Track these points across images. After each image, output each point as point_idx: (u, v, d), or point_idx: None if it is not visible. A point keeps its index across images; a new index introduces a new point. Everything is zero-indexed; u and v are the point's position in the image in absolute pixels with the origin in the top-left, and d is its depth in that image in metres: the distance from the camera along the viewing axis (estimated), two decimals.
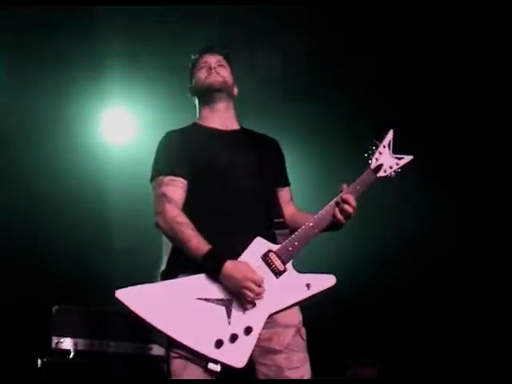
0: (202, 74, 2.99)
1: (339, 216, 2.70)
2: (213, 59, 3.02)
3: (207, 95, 2.96)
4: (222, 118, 2.95)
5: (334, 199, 2.72)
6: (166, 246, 2.80)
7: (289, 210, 2.93)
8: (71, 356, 4.32)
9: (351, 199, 2.70)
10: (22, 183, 5.17)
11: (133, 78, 5.25)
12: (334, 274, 2.70)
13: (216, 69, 2.97)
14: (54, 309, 4.41)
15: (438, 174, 5.37)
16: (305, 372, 2.67)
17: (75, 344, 4.36)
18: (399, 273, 5.38)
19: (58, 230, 5.19)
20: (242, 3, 4.76)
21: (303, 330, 2.73)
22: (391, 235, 5.38)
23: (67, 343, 4.34)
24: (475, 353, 5.11)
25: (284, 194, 2.98)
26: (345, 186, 2.74)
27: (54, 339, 4.34)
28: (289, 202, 2.99)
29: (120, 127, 5.66)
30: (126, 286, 2.54)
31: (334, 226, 2.75)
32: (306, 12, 4.96)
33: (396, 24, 5.01)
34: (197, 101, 3.05)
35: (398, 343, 5.19)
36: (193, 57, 3.11)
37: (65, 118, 5.27)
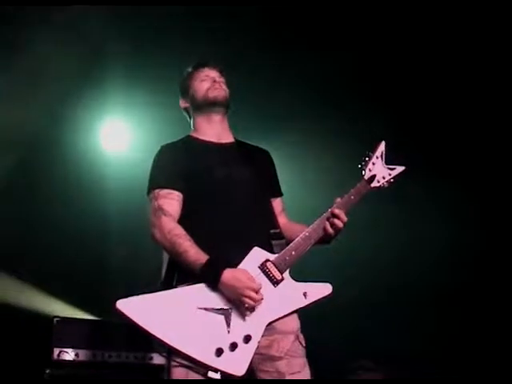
0: (204, 86, 3.00)
1: (330, 230, 2.73)
2: (214, 73, 3.05)
3: (207, 107, 2.98)
4: (217, 130, 2.98)
5: (325, 214, 2.74)
6: (166, 258, 2.83)
7: (281, 220, 2.96)
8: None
9: (342, 214, 2.72)
10: (23, 193, 5.19)
11: (131, 90, 5.29)
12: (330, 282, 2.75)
13: (220, 82, 3.02)
14: (54, 320, 4.43)
15: (433, 181, 5.43)
16: (305, 377, 2.71)
17: (76, 355, 4.38)
18: (396, 276, 5.42)
19: (57, 240, 5.17)
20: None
21: (302, 336, 2.77)
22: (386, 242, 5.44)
23: (68, 354, 4.36)
24: (482, 357, 5.16)
25: (276, 204, 3.01)
26: (338, 199, 2.77)
27: (56, 350, 4.35)
28: (281, 212, 3.02)
29: (119, 138, 5.66)
30: (127, 297, 2.57)
31: (324, 239, 2.77)
32: (305, 19, 5.02)
33: (393, 29, 5.07)
34: (192, 112, 3.05)
35: (400, 347, 5.20)
36: (189, 69, 3.11)
37: (64, 127, 5.31)
